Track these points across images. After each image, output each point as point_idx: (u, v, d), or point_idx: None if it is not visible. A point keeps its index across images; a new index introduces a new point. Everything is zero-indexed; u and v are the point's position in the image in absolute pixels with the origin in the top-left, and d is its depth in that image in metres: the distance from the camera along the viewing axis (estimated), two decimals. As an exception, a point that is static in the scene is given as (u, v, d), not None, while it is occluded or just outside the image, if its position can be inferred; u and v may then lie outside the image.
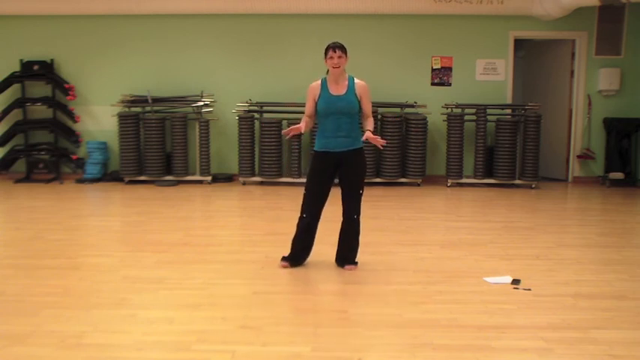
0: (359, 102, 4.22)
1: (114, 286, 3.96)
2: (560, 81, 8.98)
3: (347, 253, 4.36)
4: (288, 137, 4.26)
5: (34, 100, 8.63)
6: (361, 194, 4.29)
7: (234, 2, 8.29)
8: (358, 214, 4.29)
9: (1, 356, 2.89)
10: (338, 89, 4.19)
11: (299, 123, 4.28)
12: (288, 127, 4.33)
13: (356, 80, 4.25)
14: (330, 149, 4.21)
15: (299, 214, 4.32)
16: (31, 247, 4.96)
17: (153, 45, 8.75)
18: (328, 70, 4.21)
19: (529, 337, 3.14)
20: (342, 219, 4.33)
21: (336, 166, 4.25)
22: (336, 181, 4.32)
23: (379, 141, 4.16)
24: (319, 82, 4.26)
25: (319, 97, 4.20)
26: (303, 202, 4.31)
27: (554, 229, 5.87)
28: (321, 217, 4.31)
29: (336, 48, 4.12)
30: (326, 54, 4.16)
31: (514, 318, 3.43)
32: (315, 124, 4.41)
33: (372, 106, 8.57)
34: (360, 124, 4.33)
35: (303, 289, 4.00)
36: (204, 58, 8.76)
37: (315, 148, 4.32)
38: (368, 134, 4.16)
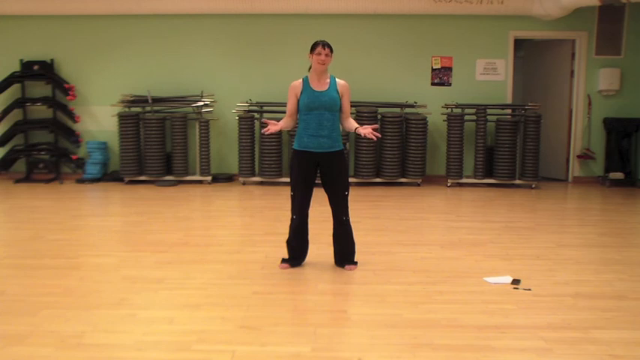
0: (340, 99, 4.22)
1: (114, 286, 3.96)
2: (560, 81, 8.98)
3: (345, 254, 4.36)
4: (267, 133, 4.23)
5: (34, 100, 8.63)
6: (347, 195, 4.28)
7: (234, 2, 8.29)
8: (347, 215, 4.28)
9: (1, 356, 2.89)
10: (321, 86, 4.19)
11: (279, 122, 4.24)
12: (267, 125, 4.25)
13: (337, 79, 4.27)
14: (310, 149, 4.19)
15: (290, 216, 4.33)
16: (31, 247, 4.96)
17: (153, 45, 8.76)
18: (310, 68, 4.22)
19: (529, 337, 3.14)
20: (332, 220, 4.32)
21: (316, 166, 4.24)
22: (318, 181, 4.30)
23: (374, 133, 4.13)
24: (300, 80, 4.25)
25: (302, 93, 4.19)
26: (292, 203, 4.31)
27: (554, 229, 5.87)
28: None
29: (325, 45, 4.14)
30: (313, 49, 4.16)
31: (514, 318, 3.42)
32: (296, 123, 4.38)
33: (373, 106, 8.56)
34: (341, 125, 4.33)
35: (303, 289, 3.99)
36: (204, 58, 8.77)
37: (294, 147, 4.28)
38: (360, 130, 4.13)
